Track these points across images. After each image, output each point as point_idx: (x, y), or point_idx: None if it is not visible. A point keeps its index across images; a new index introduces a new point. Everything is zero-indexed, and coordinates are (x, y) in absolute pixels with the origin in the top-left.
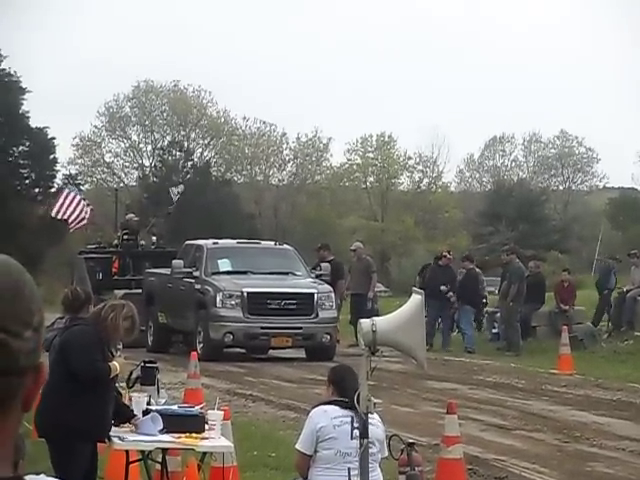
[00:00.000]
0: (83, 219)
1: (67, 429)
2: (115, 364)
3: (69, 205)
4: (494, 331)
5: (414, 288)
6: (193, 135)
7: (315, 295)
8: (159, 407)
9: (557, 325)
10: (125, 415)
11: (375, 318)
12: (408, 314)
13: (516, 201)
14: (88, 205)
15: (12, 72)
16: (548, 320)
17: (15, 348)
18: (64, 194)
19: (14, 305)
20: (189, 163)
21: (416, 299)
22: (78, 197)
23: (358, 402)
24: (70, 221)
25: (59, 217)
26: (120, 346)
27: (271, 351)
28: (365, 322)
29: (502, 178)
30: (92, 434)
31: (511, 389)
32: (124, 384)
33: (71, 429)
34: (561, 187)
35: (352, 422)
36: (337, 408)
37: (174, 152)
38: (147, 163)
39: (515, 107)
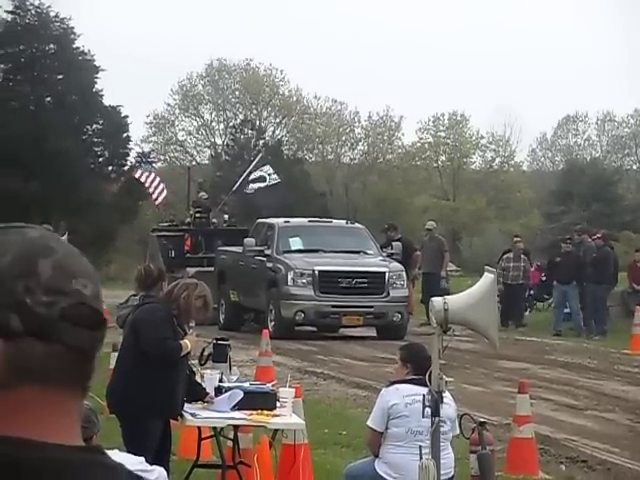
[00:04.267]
0: (162, 193)
1: (138, 406)
2: (186, 342)
3: (148, 177)
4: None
5: (486, 267)
6: (265, 114)
7: (386, 274)
8: (231, 384)
9: (630, 305)
10: (198, 393)
11: (447, 297)
12: (480, 293)
13: (589, 180)
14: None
15: (86, 50)
16: (621, 300)
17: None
18: (139, 172)
19: (85, 264)
20: (261, 142)
21: (488, 278)
22: (153, 175)
23: (430, 380)
24: (152, 191)
25: (142, 180)
26: (192, 324)
27: (342, 329)
28: (437, 300)
29: (575, 157)
30: (163, 411)
31: (583, 369)
32: (196, 361)
33: (142, 406)
34: (635, 166)
35: (424, 400)
36: (409, 386)
37: (246, 131)
38: (219, 141)
39: (589, 86)
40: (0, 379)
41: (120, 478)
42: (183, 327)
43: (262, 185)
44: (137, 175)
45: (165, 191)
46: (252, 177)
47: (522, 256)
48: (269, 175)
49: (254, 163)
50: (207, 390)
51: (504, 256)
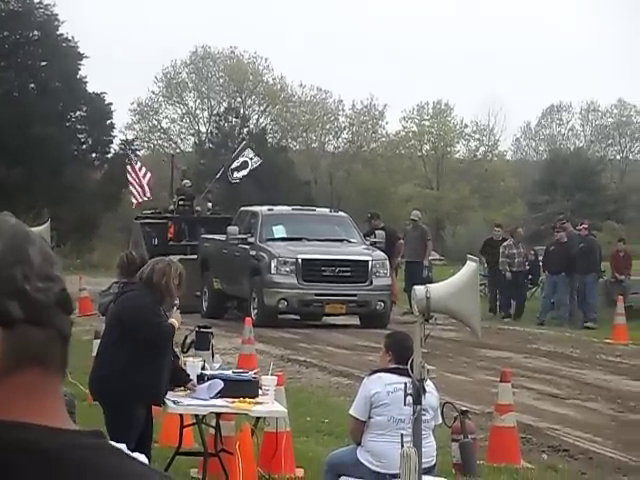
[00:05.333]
0: (147, 185)
1: (122, 393)
2: (173, 320)
3: (140, 181)
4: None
5: (469, 255)
6: (249, 102)
7: (370, 262)
8: (213, 372)
9: (612, 295)
10: (181, 379)
11: (429, 285)
12: (462, 281)
13: (572, 170)
14: (148, 172)
15: (70, 37)
16: (603, 290)
17: None
18: (132, 172)
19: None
20: (245, 130)
21: (470, 266)
22: (137, 166)
23: (412, 369)
24: (144, 193)
25: (143, 199)
26: (177, 301)
27: (325, 318)
28: (419, 289)
29: (559, 147)
30: (147, 398)
31: (565, 358)
32: (178, 349)
33: (126, 393)
34: (618, 156)
35: (405, 389)
36: (391, 375)
37: (230, 118)
38: (203, 129)
39: (573, 76)
40: (2, 366)
41: (125, 460)
42: (166, 312)
43: (245, 172)
44: (134, 192)
45: (148, 192)
46: (235, 165)
47: (519, 243)
48: (251, 159)
49: (237, 151)
50: (190, 377)
51: (505, 243)
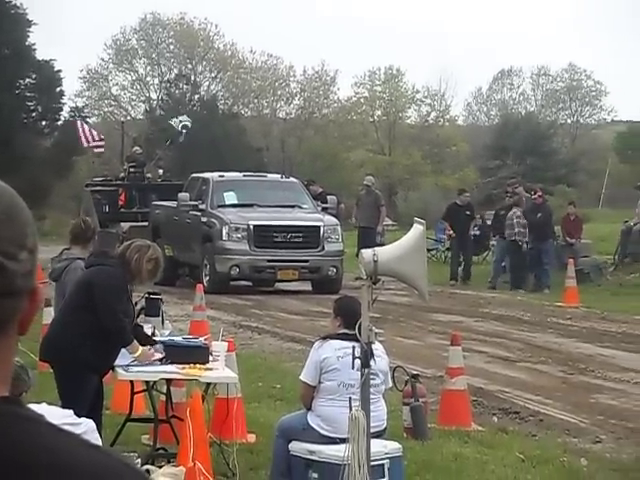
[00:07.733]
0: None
1: (79, 361)
2: (139, 348)
3: (87, 131)
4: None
5: (416, 218)
6: (200, 68)
7: (321, 228)
8: (163, 338)
9: (563, 258)
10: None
11: (377, 248)
12: (409, 245)
13: (523, 135)
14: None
15: (18, 4)
16: (554, 253)
17: (11, 270)
18: (79, 124)
19: (9, 227)
20: (196, 96)
21: (417, 229)
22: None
23: (359, 332)
24: (94, 145)
25: (91, 146)
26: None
27: (277, 284)
28: (367, 252)
29: (510, 111)
30: (102, 367)
31: (516, 321)
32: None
33: (82, 361)
34: (569, 120)
35: (353, 352)
36: (340, 340)
37: (181, 85)
38: (154, 96)
39: (524, 40)
40: None
41: (39, 430)
42: (132, 289)
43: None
44: (79, 129)
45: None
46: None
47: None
48: (182, 122)
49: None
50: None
51: (518, 213)
